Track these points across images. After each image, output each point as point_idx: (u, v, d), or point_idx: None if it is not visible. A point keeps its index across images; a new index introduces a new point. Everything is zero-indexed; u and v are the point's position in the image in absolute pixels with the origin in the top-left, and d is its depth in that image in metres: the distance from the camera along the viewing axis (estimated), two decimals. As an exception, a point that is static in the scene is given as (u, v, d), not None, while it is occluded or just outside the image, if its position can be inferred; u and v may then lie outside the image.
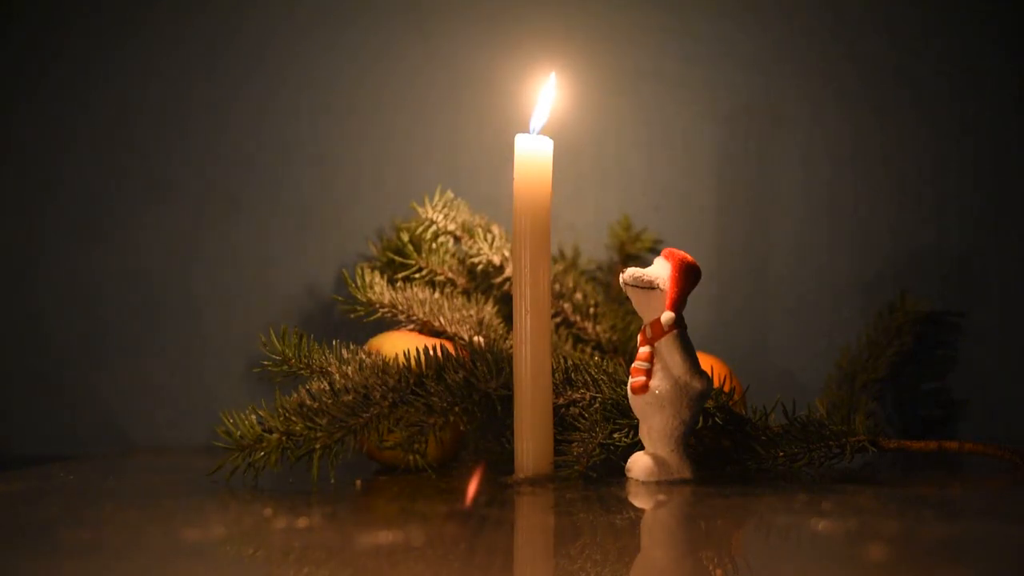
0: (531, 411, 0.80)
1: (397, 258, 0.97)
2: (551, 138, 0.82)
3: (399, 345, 0.87)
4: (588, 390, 0.83)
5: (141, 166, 1.09)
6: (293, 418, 0.79)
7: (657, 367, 0.78)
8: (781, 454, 0.82)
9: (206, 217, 1.09)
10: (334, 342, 0.85)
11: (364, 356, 0.84)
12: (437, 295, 0.93)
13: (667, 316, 0.77)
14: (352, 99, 1.09)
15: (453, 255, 0.98)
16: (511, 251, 0.93)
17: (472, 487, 0.80)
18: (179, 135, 1.09)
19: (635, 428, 0.80)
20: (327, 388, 0.81)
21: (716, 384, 0.82)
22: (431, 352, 0.83)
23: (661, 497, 0.74)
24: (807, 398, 0.91)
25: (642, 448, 0.80)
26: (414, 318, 0.92)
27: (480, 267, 0.97)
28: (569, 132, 1.06)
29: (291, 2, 1.10)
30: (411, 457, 0.81)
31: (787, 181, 1.09)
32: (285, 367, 0.84)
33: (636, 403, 0.78)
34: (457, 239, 0.98)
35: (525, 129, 0.82)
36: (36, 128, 1.09)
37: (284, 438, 0.79)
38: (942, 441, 0.84)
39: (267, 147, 1.09)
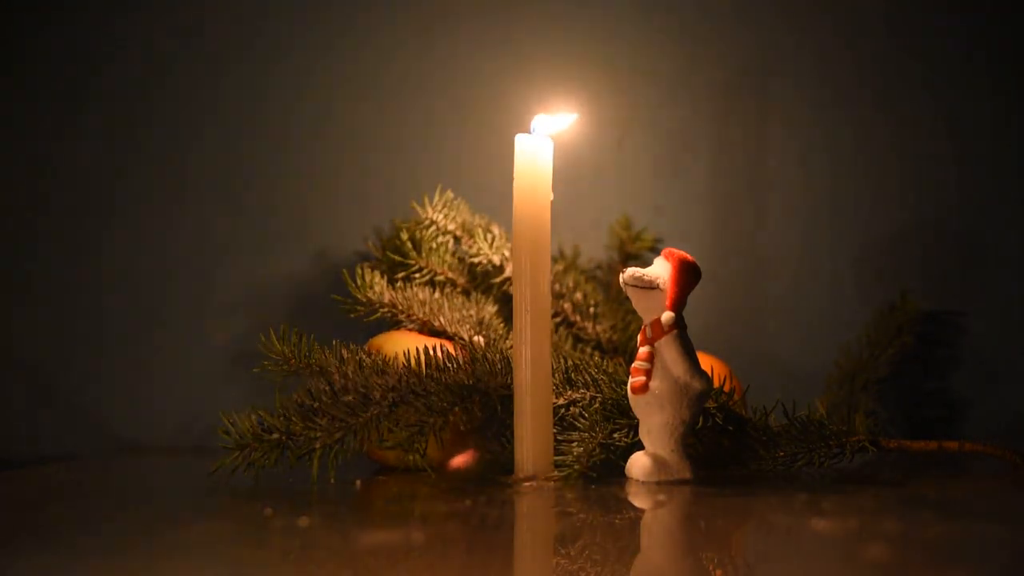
0: (531, 411, 0.80)
1: (397, 258, 0.97)
2: (551, 138, 0.82)
3: (399, 345, 0.87)
4: (588, 390, 0.83)
5: (140, 166, 1.09)
6: (293, 418, 0.79)
7: (657, 367, 0.78)
8: (781, 454, 0.82)
9: (206, 217, 1.09)
10: (334, 342, 0.85)
11: (364, 356, 0.84)
12: (437, 295, 0.93)
13: (667, 316, 0.77)
14: (352, 99, 1.09)
15: (453, 255, 0.98)
16: (511, 251, 0.93)
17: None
18: (179, 136, 1.09)
19: (635, 428, 0.80)
20: (327, 388, 0.81)
21: (716, 384, 0.82)
22: (431, 352, 0.83)
23: (661, 497, 0.74)
24: (807, 398, 0.91)
25: (642, 448, 0.80)
26: (414, 318, 0.92)
27: (480, 267, 0.97)
28: (569, 132, 1.06)
29: (292, 4, 1.10)
30: (411, 457, 0.81)
31: (787, 181, 1.09)
32: (285, 367, 0.84)
33: (636, 403, 0.78)
34: (457, 239, 0.98)
35: (525, 129, 0.82)
36: (34, 128, 1.09)
37: (284, 438, 0.79)
38: (942, 441, 0.84)
39: (268, 147, 1.09)
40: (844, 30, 1.10)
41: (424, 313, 0.92)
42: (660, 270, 0.78)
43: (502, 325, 0.93)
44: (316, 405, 0.80)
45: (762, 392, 0.88)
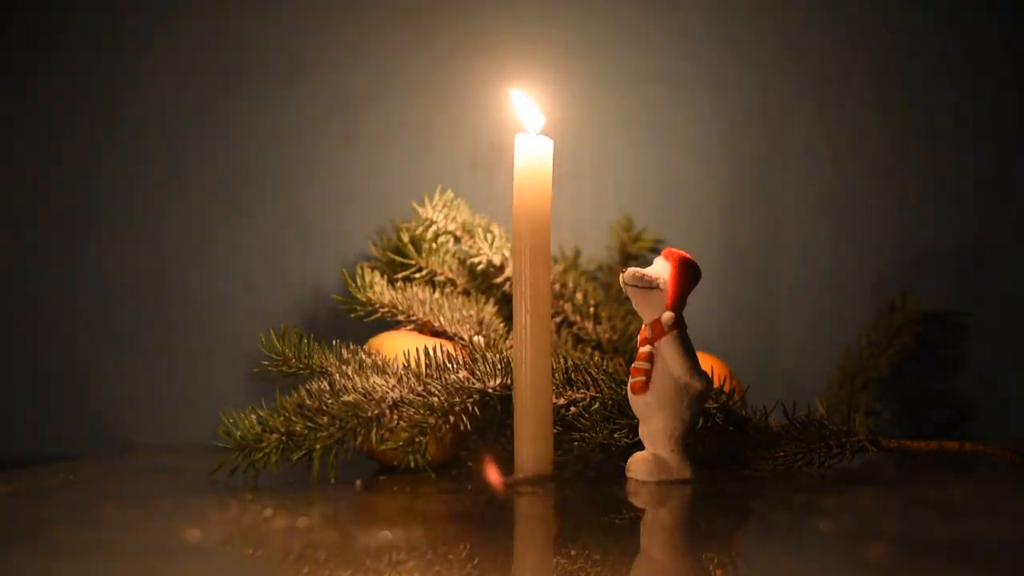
0: (531, 411, 0.80)
1: (397, 258, 0.97)
2: (551, 138, 0.82)
3: (399, 345, 0.87)
4: (588, 390, 0.83)
5: (139, 167, 1.09)
6: (293, 418, 0.79)
7: (657, 367, 0.78)
8: (781, 454, 0.82)
9: (206, 217, 1.09)
10: (334, 342, 0.85)
11: (364, 356, 0.84)
12: (437, 295, 0.93)
13: (667, 316, 0.77)
14: (352, 99, 1.09)
15: (453, 255, 0.98)
16: (511, 251, 0.93)
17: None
18: (179, 136, 1.09)
19: (635, 428, 0.80)
20: (327, 388, 0.81)
21: (716, 384, 0.82)
22: (431, 352, 0.83)
23: (661, 497, 0.74)
24: (807, 398, 0.91)
25: (642, 448, 0.80)
26: (414, 318, 0.92)
27: (480, 267, 0.97)
28: (569, 132, 1.06)
29: (292, 3, 1.10)
30: (411, 457, 0.81)
31: (788, 180, 1.09)
32: (285, 367, 0.84)
33: (636, 403, 0.78)
34: (457, 239, 0.98)
35: (525, 129, 0.82)
36: (34, 128, 1.09)
37: (284, 438, 0.79)
38: (942, 441, 0.84)
39: (268, 147, 1.09)
40: (851, 32, 1.10)
41: (424, 313, 0.92)
42: (660, 270, 0.78)
43: (502, 325, 0.93)
44: (316, 405, 0.80)
45: (762, 392, 0.88)
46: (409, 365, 0.82)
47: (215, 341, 1.07)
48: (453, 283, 0.97)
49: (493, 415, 0.84)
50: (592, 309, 0.99)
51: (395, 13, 1.10)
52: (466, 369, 0.83)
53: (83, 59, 1.09)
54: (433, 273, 0.96)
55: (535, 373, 0.80)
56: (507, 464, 0.82)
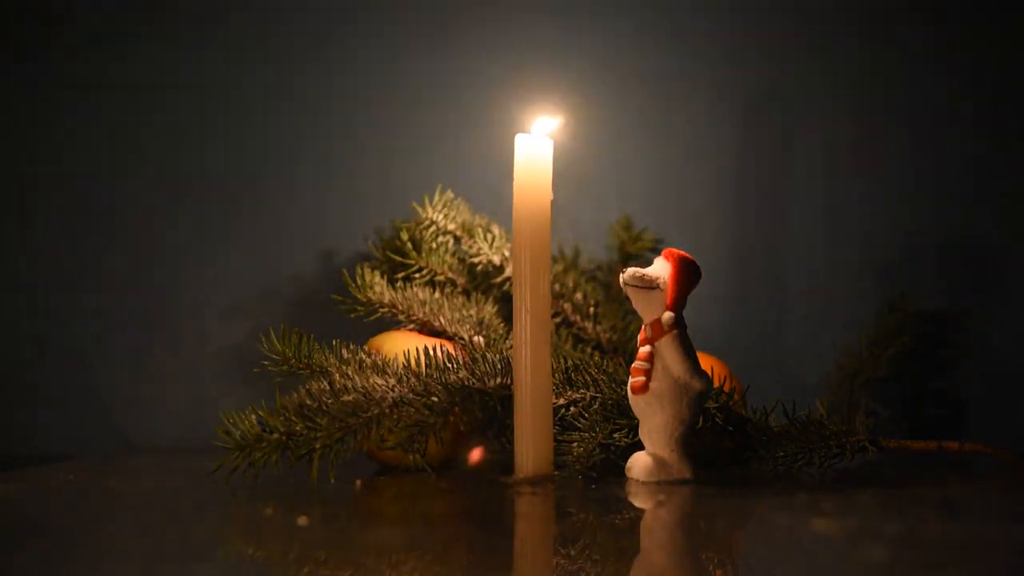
0: (531, 411, 0.80)
1: (397, 258, 0.97)
2: (551, 139, 0.82)
3: (399, 345, 0.87)
4: (588, 390, 0.83)
5: (140, 167, 1.09)
6: (293, 418, 0.79)
7: (657, 367, 0.78)
8: (781, 454, 0.82)
9: (207, 217, 1.08)
10: (334, 342, 0.85)
11: (364, 356, 0.84)
12: (437, 295, 0.93)
13: (667, 316, 0.78)
14: (352, 98, 1.09)
15: (453, 255, 0.98)
16: (511, 251, 0.93)
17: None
18: (178, 136, 1.09)
19: (635, 428, 0.80)
20: (327, 388, 0.81)
21: (716, 384, 0.82)
22: (431, 352, 0.83)
23: (661, 497, 0.74)
24: (807, 398, 0.91)
25: (642, 448, 0.80)
26: (414, 318, 0.92)
27: (480, 267, 0.97)
28: (569, 132, 1.06)
29: (293, 6, 1.10)
30: (411, 457, 0.81)
31: (788, 180, 1.09)
32: (285, 367, 0.84)
33: (636, 403, 0.79)
34: (457, 239, 0.98)
35: (525, 129, 0.82)
36: (35, 127, 1.09)
37: (284, 438, 0.79)
38: (942, 441, 0.84)
39: (268, 147, 1.09)
40: (847, 31, 1.10)
41: (424, 313, 0.92)
42: (660, 270, 0.78)
43: (502, 325, 0.93)
44: (316, 405, 0.80)
45: (762, 392, 0.88)
46: (409, 365, 0.82)
47: (215, 341, 1.07)
48: (453, 283, 0.97)
49: (493, 415, 0.84)
50: (592, 309, 0.99)
51: (396, 14, 1.10)
52: (466, 369, 0.83)
53: (80, 59, 1.09)
54: (433, 273, 0.96)
55: (535, 373, 0.80)
56: (507, 464, 0.82)
